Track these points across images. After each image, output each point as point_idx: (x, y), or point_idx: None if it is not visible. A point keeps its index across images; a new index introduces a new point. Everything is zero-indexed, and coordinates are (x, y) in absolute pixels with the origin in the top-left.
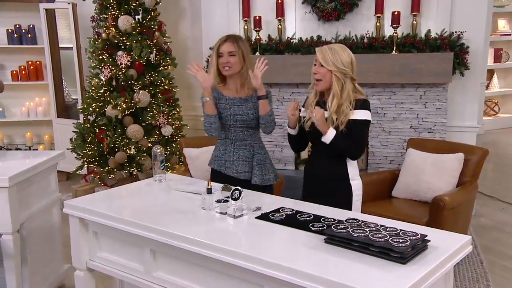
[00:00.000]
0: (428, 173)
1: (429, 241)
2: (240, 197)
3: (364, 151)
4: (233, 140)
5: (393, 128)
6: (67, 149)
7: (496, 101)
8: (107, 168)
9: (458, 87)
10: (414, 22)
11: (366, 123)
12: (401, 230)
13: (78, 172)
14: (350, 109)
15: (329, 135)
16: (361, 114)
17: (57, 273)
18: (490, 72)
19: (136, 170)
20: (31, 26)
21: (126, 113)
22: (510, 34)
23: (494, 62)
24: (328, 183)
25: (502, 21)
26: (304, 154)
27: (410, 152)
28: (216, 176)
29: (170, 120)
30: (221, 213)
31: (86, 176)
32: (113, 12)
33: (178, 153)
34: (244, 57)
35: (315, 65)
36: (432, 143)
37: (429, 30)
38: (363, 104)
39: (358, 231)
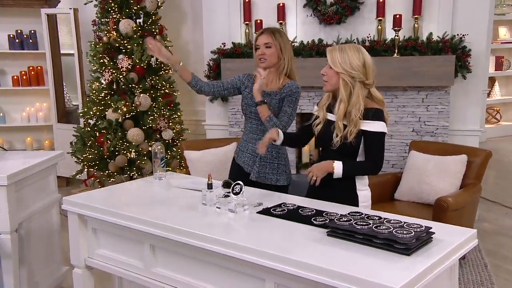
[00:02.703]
0: (431, 175)
1: (434, 233)
2: (241, 192)
3: (382, 165)
4: (248, 131)
5: (395, 131)
6: (67, 153)
7: (497, 109)
8: (107, 172)
9: (460, 90)
10: (416, 25)
11: (381, 135)
12: (405, 222)
13: (78, 176)
14: (360, 118)
15: (337, 171)
16: (374, 126)
17: (56, 275)
18: (492, 80)
19: (136, 174)
20: (32, 31)
21: (126, 116)
22: (511, 42)
23: (495, 70)
24: (334, 193)
25: (503, 29)
26: (306, 158)
27: (412, 154)
28: (233, 162)
29: (170, 124)
30: (222, 208)
31: (86, 181)
32: (114, 16)
33: (178, 157)
34: (282, 49)
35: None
36: (435, 146)
37: (430, 33)
38: (375, 114)
39: (361, 223)
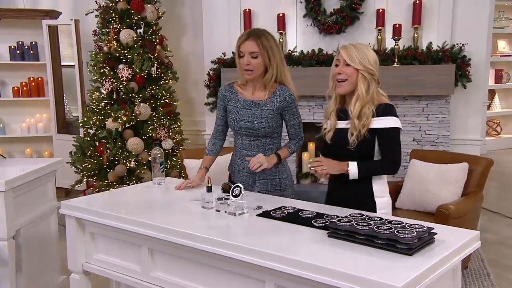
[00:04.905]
0: (432, 184)
1: (436, 233)
2: (241, 194)
3: (400, 162)
4: (240, 147)
5: None
6: (67, 162)
7: (498, 121)
8: (106, 181)
9: (461, 100)
10: (416, 35)
11: (396, 131)
12: (406, 223)
13: (77, 186)
14: (372, 110)
15: (352, 171)
16: (385, 122)
17: (53, 283)
18: (492, 93)
19: (136, 184)
20: (33, 43)
21: (126, 126)
22: (510, 55)
23: (495, 83)
24: (350, 200)
25: (502, 42)
26: (306, 168)
27: (413, 162)
28: (231, 181)
29: (170, 133)
30: (221, 211)
31: (85, 191)
32: (115, 26)
33: (178, 166)
34: (270, 57)
35: (336, 65)
36: (436, 154)
37: (430, 43)
38: (386, 110)
39: (362, 224)
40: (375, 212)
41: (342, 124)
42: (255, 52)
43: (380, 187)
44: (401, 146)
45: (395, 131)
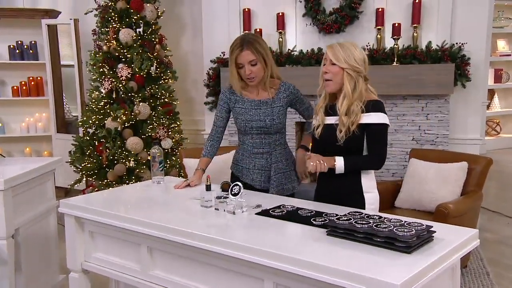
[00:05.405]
0: (431, 183)
1: (435, 232)
2: (240, 193)
3: (385, 158)
4: (250, 147)
5: (395, 140)
6: (66, 162)
7: (497, 121)
8: (105, 181)
9: (460, 99)
10: (415, 34)
11: (383, 127)
12: (405, 221)
13: (76, 186)
14: (361, 107)
15: (339, 165)
16: (374, 118)
17: (52, 282)
18: (491, 92)
19: (135, 183)
20: (33, 42)
21: (125, 125)
22: (509, 55)
23: (494, 83)
24: (340, 196)
25: (501, 42)
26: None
27: (412, 161)
28: (235, 180)
29: (170, 133)
30: (220, 209)
31: (84, 190)
32: (114, 25)
33: (178, 166)
34: (266, 60)
35: (324, 64)
36: (435, 153)
37: (429, 42)
38: (375, 106)
39: (361, 222)
40: (364, 207)
41: (330, 120)
42: (254, 60)
43: (369, 183)
44: (401, 145)
45: (384, 127)
